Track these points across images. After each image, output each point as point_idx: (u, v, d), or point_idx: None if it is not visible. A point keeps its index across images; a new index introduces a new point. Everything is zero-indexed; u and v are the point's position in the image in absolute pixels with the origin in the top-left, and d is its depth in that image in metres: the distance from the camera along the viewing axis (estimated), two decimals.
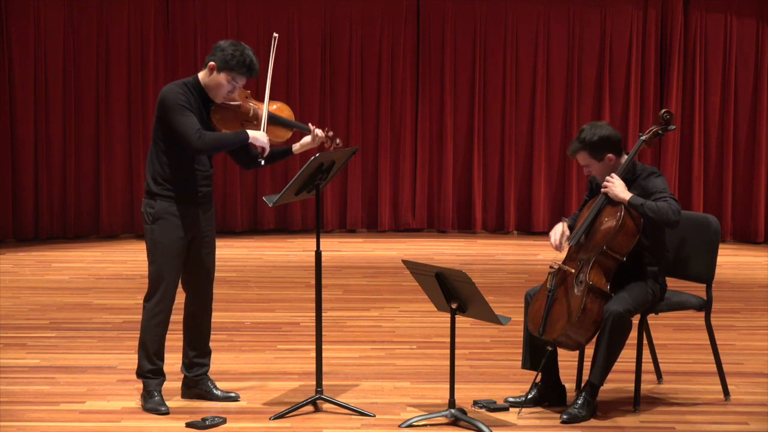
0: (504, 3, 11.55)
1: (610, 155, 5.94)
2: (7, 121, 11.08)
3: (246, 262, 10.09)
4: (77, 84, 11.23)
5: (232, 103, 5.90)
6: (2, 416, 5.83)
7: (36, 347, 7.19)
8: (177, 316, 6.03)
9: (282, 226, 11.70)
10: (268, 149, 5.85)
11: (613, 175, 5.90)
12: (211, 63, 5.79)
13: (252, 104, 5.95)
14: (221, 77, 5.79)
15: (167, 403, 5.97)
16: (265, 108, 5.90)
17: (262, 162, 5.91)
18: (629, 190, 5.89)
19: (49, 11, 11.10)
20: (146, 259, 5.95)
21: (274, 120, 5.93)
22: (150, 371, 5.94)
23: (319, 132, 5.96)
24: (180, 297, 5.98)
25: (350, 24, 11.56)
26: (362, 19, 11.56)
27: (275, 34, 6.05)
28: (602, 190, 5.92)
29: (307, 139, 6.00)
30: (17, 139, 11.13)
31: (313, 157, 5.79)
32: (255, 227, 11.66)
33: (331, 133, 6.04)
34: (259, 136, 5.81)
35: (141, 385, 6.15)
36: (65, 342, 7.34)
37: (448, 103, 11.64)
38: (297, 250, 10.74)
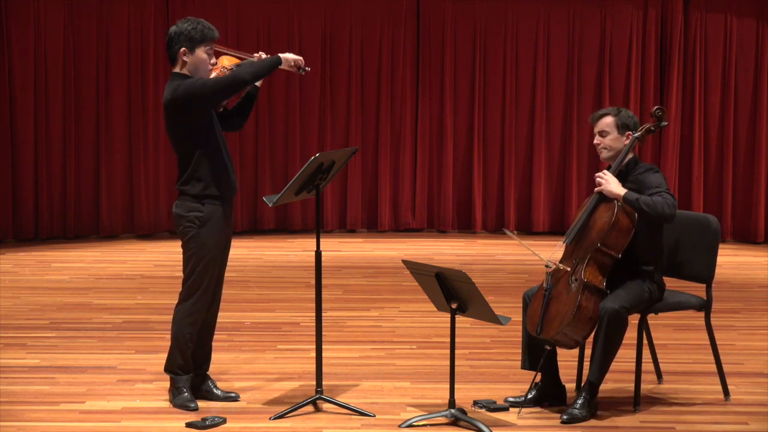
0: (504, 3, 11.55)
1: (629, 132, 5.98)
2: (7, 121, 11.08)
3: (246, 262, 10.08)
4: (77, 84, 11.23)
5: (221, 69, 5.91)
6: (2, 416, 5.83)
7: (36, 347, 7.18)
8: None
9: (282, 226, 11.70)
10: (301, 58, 5.88)
11: (605, 172, 5.93)
12: (181, 49, 5.81)
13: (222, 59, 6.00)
14: (199, 53, 5.82)
15: (167, 403, 5.98)
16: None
17: (308, 69, 5.96)
18: (624, 185, 5.90)
19: (49, 11, 11.10)
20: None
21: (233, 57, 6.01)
22: (180, 367, 5.95)
23: (260, 54, 5.96)
24: None
25: (350, 24, 11.56)
26: (362, 19, 11.56)
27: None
28: (596, 189, 5.94)
29: None
30: (17, 139, 11.13)
31: (313, 157, 5.79)
32: (255, 227, 11.66)
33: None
34: (288, 56, 5.85)
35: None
36: (65, 342, 7.34)
37: (448, 103, 11.64)
38: (297, 250, 10.74)
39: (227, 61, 5.97)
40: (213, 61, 5.88)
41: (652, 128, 6.08)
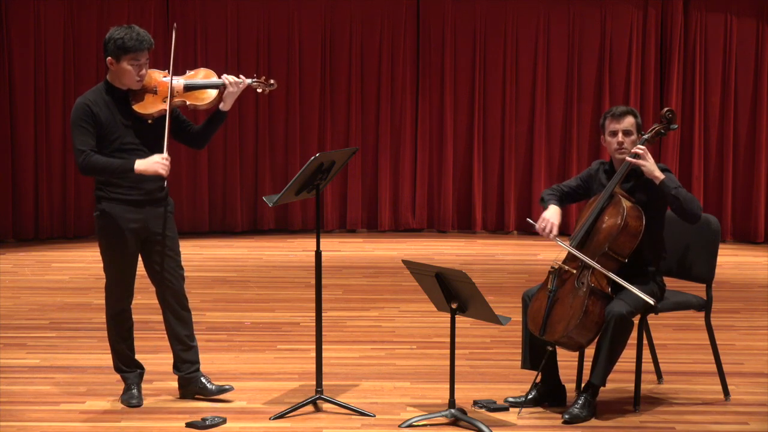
0: (504, 3, 11.55)
1: (640, 135, 5.94)
2: (7, 121, 11.08)
3: (246, 262, 10.08)
4: (77, 84, 11.21)
5: (150, 86, 5.85)
6: (2, 416, 5.84)
7: (36, 347, 7.19)
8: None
9: (282, 226, 11.69)
10: (165, 172, 5.75)
11: (644, 147, 5.83)
12: (108, 58, 5.78)
13: (168, 80, 5.87)
14: (123, 64, 5.75)
15: (168, 403, 5.98)
16: (171, 86, 5.82)
17: (165, 183, 5.86)
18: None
19: (49, 11, 11.10)
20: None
21: (189, 87, 5.88)
22: (121, 368, 6.04)
23: (230, 79, 5.86)
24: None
25: (350, 24, 11.56)
26: (362, 19, 11.56)
27: (175, 24, 6.05)
28: (635, 160, 5.77)
29: (226, 91, 5.89)
30: (17, 139, 11.13)
31: (313, 157, 5.79)
32: (255, 227, 11.65)
33: (244, 79, 5.91)
34: (147, 166, 5.73)
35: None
36: (65, 342, 7.34)
37: (448, 103, 11.64)
38: (297, 250, 10.74)
39: (158, 75, 5.88)
40: (143, 72, 5.78)
41: (662, 131, 6.02)
